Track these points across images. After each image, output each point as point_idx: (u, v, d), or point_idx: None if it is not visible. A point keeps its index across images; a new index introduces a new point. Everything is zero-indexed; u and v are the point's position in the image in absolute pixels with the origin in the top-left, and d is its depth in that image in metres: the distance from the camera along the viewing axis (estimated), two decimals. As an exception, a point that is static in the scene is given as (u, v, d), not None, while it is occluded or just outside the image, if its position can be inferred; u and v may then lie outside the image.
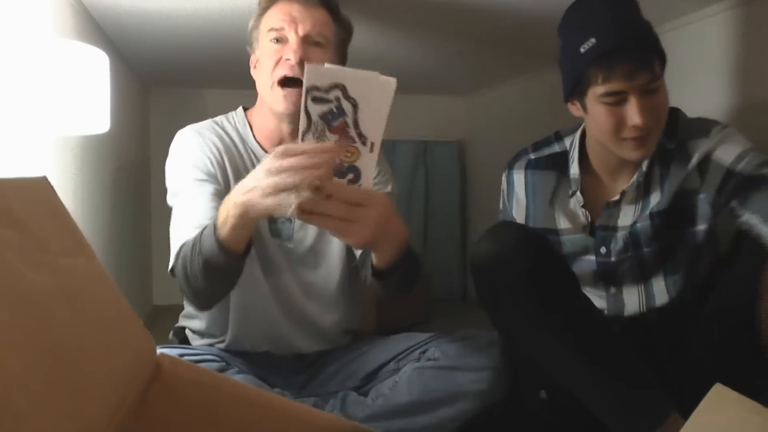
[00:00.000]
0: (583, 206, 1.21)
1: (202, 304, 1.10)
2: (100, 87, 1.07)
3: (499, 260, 1.04)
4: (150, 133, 2.86)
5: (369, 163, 0.85)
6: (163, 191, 1.19)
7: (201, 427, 0.63)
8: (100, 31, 1.78)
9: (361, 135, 0.83)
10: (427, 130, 3.18)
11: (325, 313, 1.23)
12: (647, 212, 1.17)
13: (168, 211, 1.17)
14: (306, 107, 0.80)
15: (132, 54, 2.12)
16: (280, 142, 1.19)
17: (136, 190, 2.49)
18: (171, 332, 1.32)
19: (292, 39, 1.13)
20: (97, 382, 0.49)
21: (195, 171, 1.14)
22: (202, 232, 0.99)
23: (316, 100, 0.80)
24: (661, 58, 1.09)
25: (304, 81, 0.79)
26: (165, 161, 1.19)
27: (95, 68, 1.05)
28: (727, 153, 1.10)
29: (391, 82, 0.80)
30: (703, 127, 1.14)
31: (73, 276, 0.53)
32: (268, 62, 1.15)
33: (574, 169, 1.21)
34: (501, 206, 1.35)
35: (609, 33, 1.06)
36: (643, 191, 1.18)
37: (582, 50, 1.08)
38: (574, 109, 1.17)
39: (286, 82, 1.13)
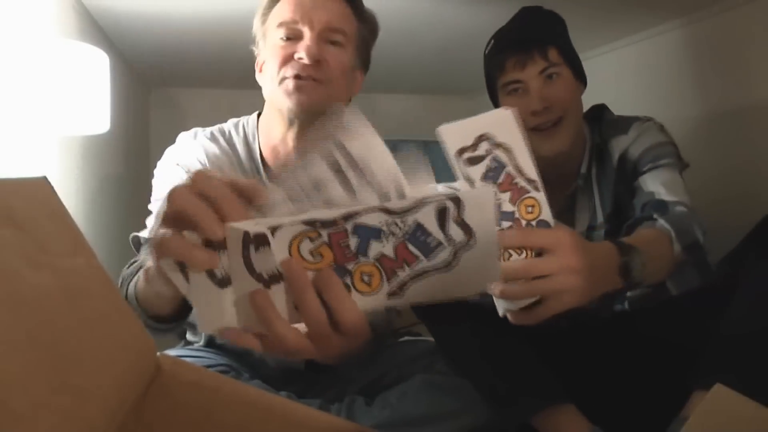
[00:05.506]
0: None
1: None
2: (100, 87, 1.07)
3: None
4: (150, 133, 2.86)
5: (546, 208, 0.70)
6: (164, 192, 1.19)
7: (201, 429, 0.63)
8: (100, 31, 1.77)
9: (530, 180, 0.68)
10: (427, 130, 3.17)
11: None
12: (601, 219, 1.19)
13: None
14: (465, 174, 0.67)
15: (132, 54, 2.12)
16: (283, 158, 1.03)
17: (136, 190, 2.49)
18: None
19: (307, 35, 0.96)
20: (97, 383, 0.49)
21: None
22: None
23: (471, 161, 0.67)
24: (559, 48, 1.15)
25: (448, 147, 0.66)
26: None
27: (95, 68, 1.05)
28: (637, 147, 1.14)
29: (510, 114, 0.68)
30: (624, 124, 1.18)
31: (73, 276, 0.53)
32: (275, 61, 0.98)
33: None
34: None
35: (503, 33, 1.20)
36: (589, 192, 1.21)
37: (485, 52, 1.24)
38: None
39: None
